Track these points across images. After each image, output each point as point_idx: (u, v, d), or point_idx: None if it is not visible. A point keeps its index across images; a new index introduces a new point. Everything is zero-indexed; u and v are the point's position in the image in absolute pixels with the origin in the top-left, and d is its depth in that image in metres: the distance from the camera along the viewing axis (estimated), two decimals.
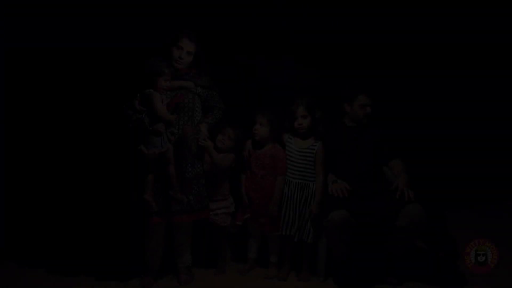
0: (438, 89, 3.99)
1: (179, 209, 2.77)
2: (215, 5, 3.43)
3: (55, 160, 3.76)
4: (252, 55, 3.63)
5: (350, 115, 3.02)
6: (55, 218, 3.75)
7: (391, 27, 3.73)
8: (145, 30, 3.45)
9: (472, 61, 3.96)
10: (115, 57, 3.46)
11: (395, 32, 3.74)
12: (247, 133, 2.97)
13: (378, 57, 3.80)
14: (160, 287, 2.88)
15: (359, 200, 2.79)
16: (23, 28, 3.43)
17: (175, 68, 2.80)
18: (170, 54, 2.78)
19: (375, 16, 3.70)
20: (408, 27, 3.76)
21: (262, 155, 2.93)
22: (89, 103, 3.66)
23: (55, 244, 3.45)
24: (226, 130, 2.93)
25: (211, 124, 2.89)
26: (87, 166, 3.76)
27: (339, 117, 3.11)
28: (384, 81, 3.75)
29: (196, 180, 2.84)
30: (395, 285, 2.83)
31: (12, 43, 3.42)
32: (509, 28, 3.79)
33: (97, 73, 3.59)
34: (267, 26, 3.57)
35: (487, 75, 4.00)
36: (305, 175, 2.92)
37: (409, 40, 3.81)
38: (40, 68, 3.54)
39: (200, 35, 2.83)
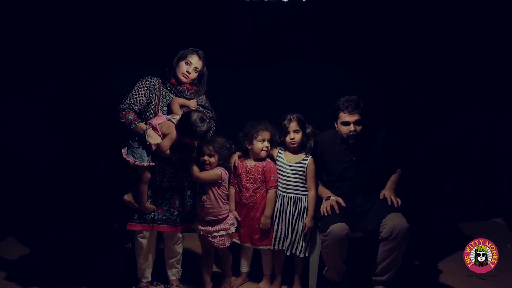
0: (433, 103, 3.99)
1: (168, 219, 2.81)
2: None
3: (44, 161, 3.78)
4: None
5: (340, 134, 2.97)
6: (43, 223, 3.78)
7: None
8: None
9: None
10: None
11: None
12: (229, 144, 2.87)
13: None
14: None
15: (351, 215, 2.82)
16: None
17: (180, 81, 2.86)
18: (178, 67, 2.84)
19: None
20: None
21: (253, 169, 2.94)
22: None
23: (42, 254, 3.46)
24: (205, 149, 2.78)
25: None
26: (79, 167, 3.77)
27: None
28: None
29: (182, 192, 2.86)
30: None
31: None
32: None
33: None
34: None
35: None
36: (297, 190, 2.94)
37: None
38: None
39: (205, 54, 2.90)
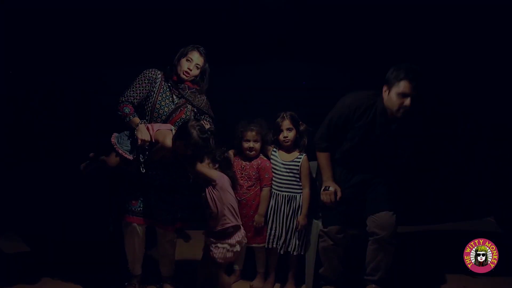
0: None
1: (163, 218, 2.81)
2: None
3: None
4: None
5: (386, 102, 2.54)
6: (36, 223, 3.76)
7: None
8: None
9: None
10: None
11: None
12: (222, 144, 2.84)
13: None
14: None
15: (350, 211, 2.81)
16: None
17: (181, 79, 2.87)
18: (179, 64, 2.85)
19: None
20: None
21: (248, 167, 2.96)
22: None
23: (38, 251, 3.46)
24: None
25: None
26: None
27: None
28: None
29: (176, 190, 2.85)
30: None
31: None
32: None
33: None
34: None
35: None
36: (291, 188, 2.96)
37: None
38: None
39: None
